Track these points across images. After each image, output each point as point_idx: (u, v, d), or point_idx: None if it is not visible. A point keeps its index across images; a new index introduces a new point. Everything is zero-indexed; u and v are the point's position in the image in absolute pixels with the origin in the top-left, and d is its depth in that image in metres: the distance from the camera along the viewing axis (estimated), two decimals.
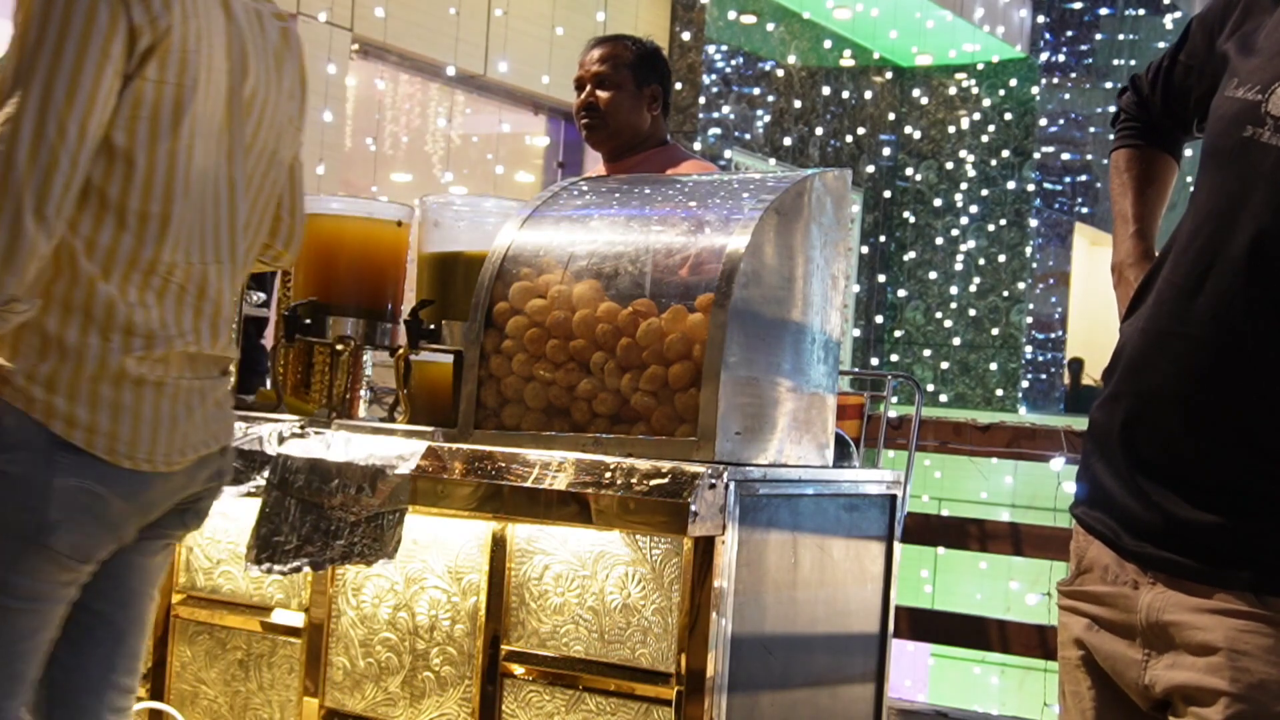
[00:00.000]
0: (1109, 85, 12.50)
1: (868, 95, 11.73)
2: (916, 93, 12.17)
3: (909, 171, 12.12)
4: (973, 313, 11.83)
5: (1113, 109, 2.01)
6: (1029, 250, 11.69)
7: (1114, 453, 1.62)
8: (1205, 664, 1.51)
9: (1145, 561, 1.58)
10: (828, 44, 11.06)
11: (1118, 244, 1.88)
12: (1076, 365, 12.58)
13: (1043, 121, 11.92)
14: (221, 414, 2.05)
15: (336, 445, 2.52)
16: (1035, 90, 11.79)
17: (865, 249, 11.75)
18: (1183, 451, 1.54)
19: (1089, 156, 12.57)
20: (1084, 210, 12.72)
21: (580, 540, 2.36)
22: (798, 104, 10.76)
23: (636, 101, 3.43)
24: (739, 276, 2.31)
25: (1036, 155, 11.76)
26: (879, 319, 11.99)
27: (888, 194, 12.07)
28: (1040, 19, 12.07)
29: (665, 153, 3.45)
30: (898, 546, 2.74)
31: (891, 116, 12.06)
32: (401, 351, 2.68)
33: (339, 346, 2.82)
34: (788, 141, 10.65)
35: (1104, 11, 12.65)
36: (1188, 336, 1.55)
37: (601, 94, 3.41)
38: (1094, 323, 12.48)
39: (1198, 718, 1.51)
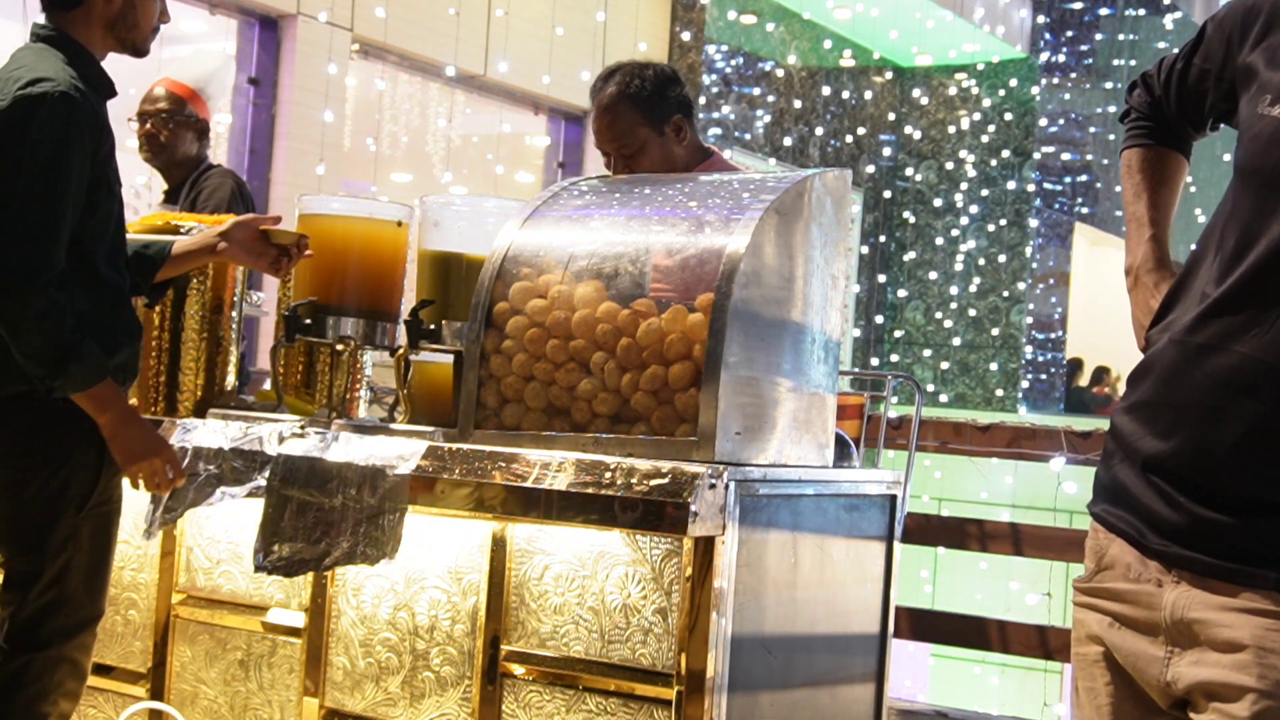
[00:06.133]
0: (1109, 85, 12.50)
1: (868, 95, 11.73)
2: (916, 93, 12.17)
3: (909, 171, 12.12)
4: (973, 313, 11.83)
5: (1113, 109, 2.01)
6: (1029, 250, 11.69)
7: (1140, 456, 1.63)
8: (1231, 661, 1.53)
9: (1170, 560, 1.60)
10: (828, 44, 11.06)
11: (1133, 247, 1.88)
12: (1074, 365, 12.59)
13: (1043, 121, 11.91)
14: None
15: (336, 445, 2.52)
16: (1035, 90, 11.79)
17: (865, 249, 11.75)
18: (1213, 463, 1.55)
19: (1089, 156, 12.57)
20: (1084, 210, 12.72)
21: (580, 540, 2.35)
22: (798, 104, 10.76)
23: (665, 145, 3.20)
24: (739, 276, 2.31)
25: (1036, 155, 11.76)
26: (879, 319, 11.99)
27: (888, 194, 12.07)
28: (1040, 19, 12.07)
29: (711, 167, 3.26)
30: (898, 546, 2.74)
31: (891, 116, 12.06)
32: (401, 351, 2.68)
33: (339, 346, 2.82)
34: (788, 141, 10.65)
35: (1104, 11, 12.64)
36: (1228, 351, 1.55)
37: (635, 165, 3.18)
38: (1094, 323, 12.48)
39: (1223, 714, 1.52)
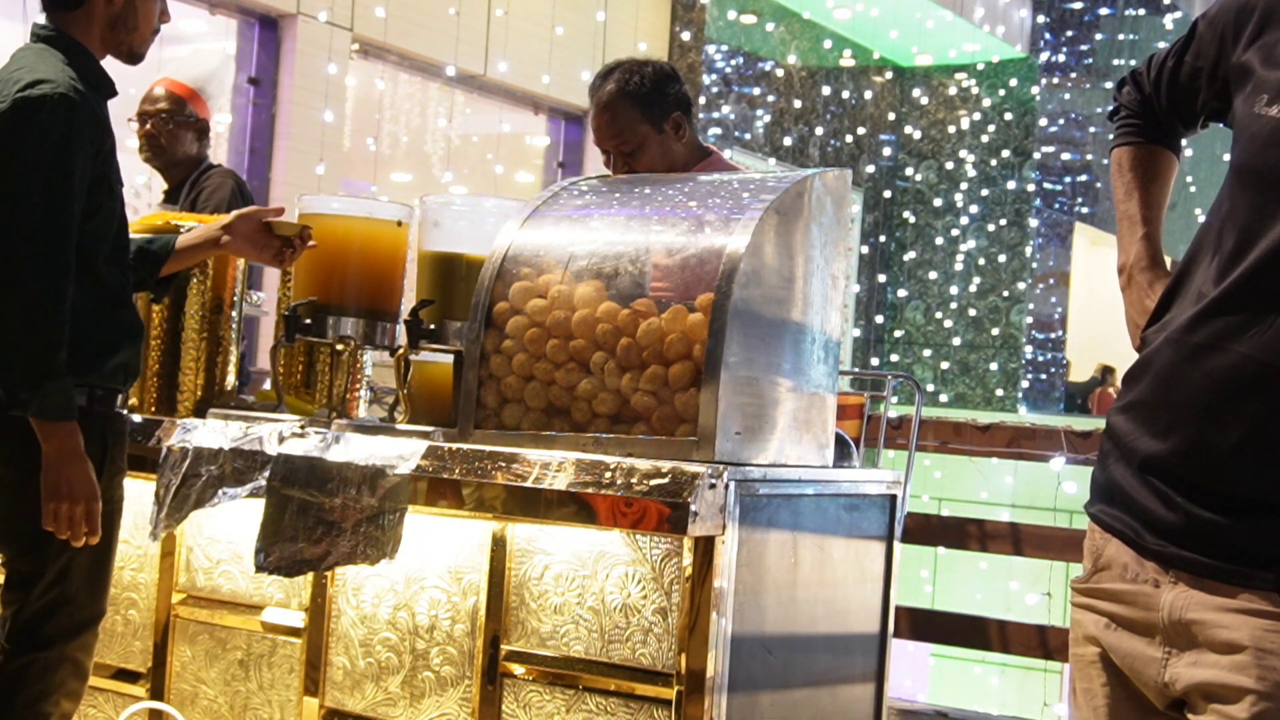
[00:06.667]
0: (1109, 85, 12.49)
1: (868, 95, 11.73)
2: (916, 93, 12.17)
3: (909, 171, 12.12)
4: (973, 313, 11.83)
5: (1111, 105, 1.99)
6: (1029, 250, 11.69)
7: (1137, 456, 1.62)
8: (1230, 662, 1.52)
9: (1167, 560, 1.59)
10: (828, 44, 11.06)
11: (1125, 246, 1.87)
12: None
13: (1043, 121, 11.92)
14: None
15: (336, 445, 2.52)
16: (1035, 90, 11.79)
17: (865, 249, 11.75)
18: (1211, 463, 1.55)
19: (1089, 156, 12.57)
20: (1084, 210, 12.72)
21: (580, 540, 2.36)
22: (798, 104, 10.76)
23: (664, 143, 3.20)
24: (739, 276, 2.31)
25: (1036, 155, 11.76)
26: (879, 319, 11.99)
27: (888, 194, 12.08)
28: (1040, 19, 12.07)
29: (710, 166, 3.25)
30: (898, 546, 2.74)
31: (891, 116, 12.06)
32: (401, 351, 2.68)
33: (339, 346, 2.82)
34: (788, 141, 10.65)
35: (1104, 11, 12.65)
36: (1227, 351, 1.55)
37: (635, 162, 3.18)
38: (1094, 323, 12.48)
39: (1221, 715, 1.52)
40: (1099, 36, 12.64)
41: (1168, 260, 1.85)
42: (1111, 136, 1.95)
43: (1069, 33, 12.48)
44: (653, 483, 2.19)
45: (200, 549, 2.81)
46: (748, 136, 10.26)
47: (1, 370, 2.34)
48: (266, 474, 2.54)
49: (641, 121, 3.18)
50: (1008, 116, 11.84)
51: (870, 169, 11.78)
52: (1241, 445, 1.53)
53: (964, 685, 8.09)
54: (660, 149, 3.20)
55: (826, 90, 11.09)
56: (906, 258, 12.10)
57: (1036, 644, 4.25)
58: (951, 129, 12.02)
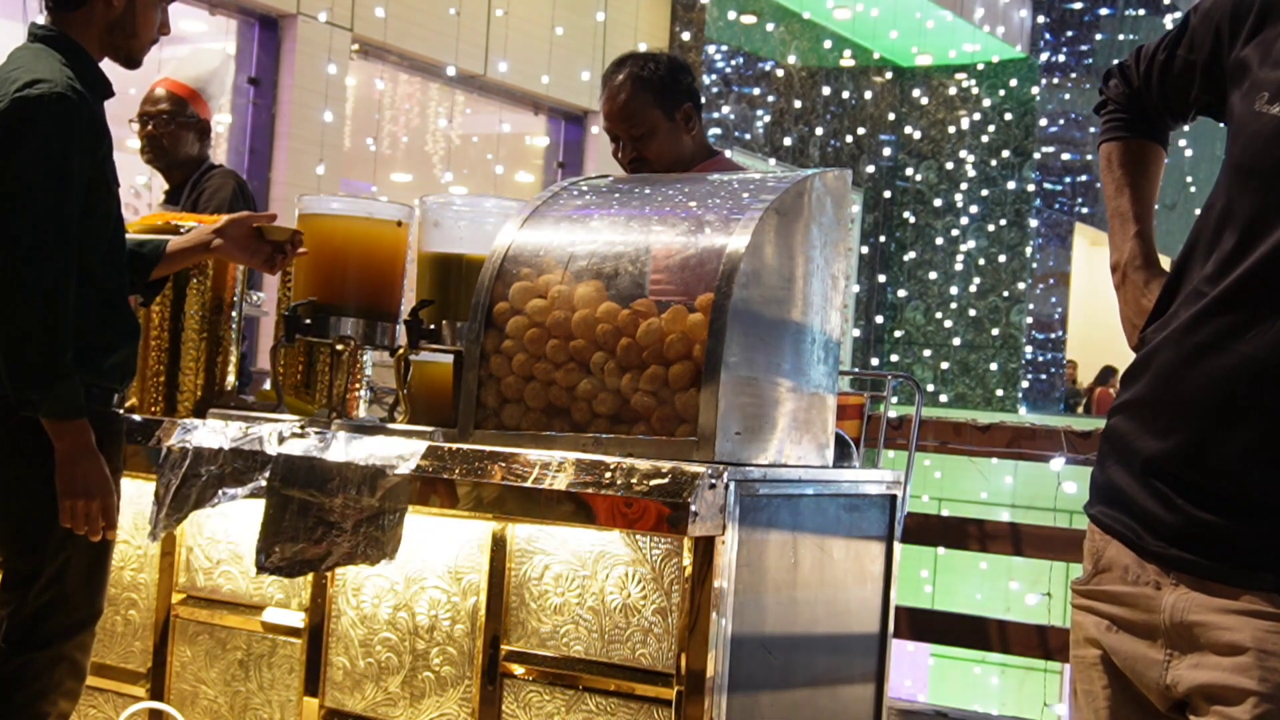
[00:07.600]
0: None
1: (868, 95, 11.74)
2: (916, 93, 12.17)
3: (909, 171, 12.12)
4: (973, 313, 11.83)
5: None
6: (1029, 250, 11.69)
7: (1137, 457, 1.62)
8: (1232, 664, 1.52)
9: (1168, 562, 1.58)
10: (828, 44, 11.06)
11: (1118, 243, 1.86)
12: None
13: (1043, 121, 11.92)
14: None
15: (336, 445, 2.52)
16: (1035, 90, 11.79)
17: (865, 249, 11.75)
18: (1212, 463, 1.54)
19: (1089, 156, 12.56)
20: (1084, 210, 12.72)
21: (580, 540, 2.36)
22: (798, 104, 10.76)
23: (674, 132, 3.22)
24: (739, 276, 2.31)
25: (1036, 155, 11.76)
26: (879, 319, 11.99)
27: (888, 194, 12.08)
28: (1040, 19, 12.08)
29: (717, 167, 3.25)
30: (898, 546, 2.74)
31: (891, 116, 12.06)
32: (401, 351, 2.68)
33: (339, 346, 2.82)
34: (788, 141, 10.65)
35: (1104, 11, 12.64)
36: (1227, 350, 1.54)
37: (644, 148, 3.21)
38: (1094, 323, 12.48)
39: (1223, 717, 1.51)
40: (1099, 36, 12.63)
41: (1164, 260, 1.84)
42: (1099, 130, 1.94)
43: (1069, 33, 12.47)
44: (653, 483, 2.19)
45: (200, 549, 2.81)
46: (748, 136, 10.26)
47: (10, 372, 2.34)
48: (266, 474, 2.55)
49: (654, 106, 3.22)
50: (1008, 116, 11.84)
51: (870, 169, 11.78)
52: (1242, 446, 1.52)
53: (964, 685, 8.10)
54: (670, 137, 3.23)
55: (826, 90, 11.09)
56: (906, 258, 12.10)
57: (1036, 644, 4.25)
58: (951, 129, 12.02)
